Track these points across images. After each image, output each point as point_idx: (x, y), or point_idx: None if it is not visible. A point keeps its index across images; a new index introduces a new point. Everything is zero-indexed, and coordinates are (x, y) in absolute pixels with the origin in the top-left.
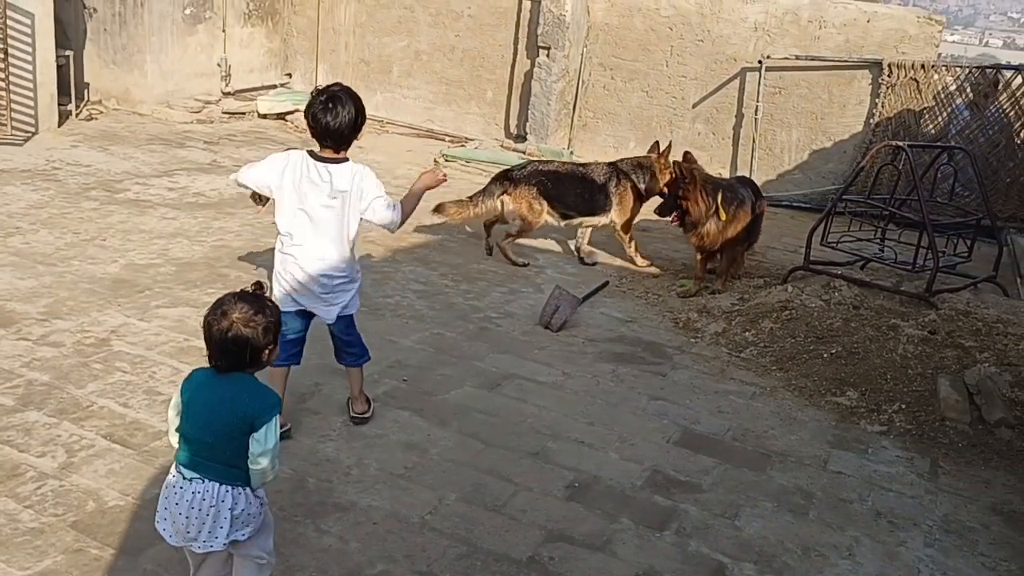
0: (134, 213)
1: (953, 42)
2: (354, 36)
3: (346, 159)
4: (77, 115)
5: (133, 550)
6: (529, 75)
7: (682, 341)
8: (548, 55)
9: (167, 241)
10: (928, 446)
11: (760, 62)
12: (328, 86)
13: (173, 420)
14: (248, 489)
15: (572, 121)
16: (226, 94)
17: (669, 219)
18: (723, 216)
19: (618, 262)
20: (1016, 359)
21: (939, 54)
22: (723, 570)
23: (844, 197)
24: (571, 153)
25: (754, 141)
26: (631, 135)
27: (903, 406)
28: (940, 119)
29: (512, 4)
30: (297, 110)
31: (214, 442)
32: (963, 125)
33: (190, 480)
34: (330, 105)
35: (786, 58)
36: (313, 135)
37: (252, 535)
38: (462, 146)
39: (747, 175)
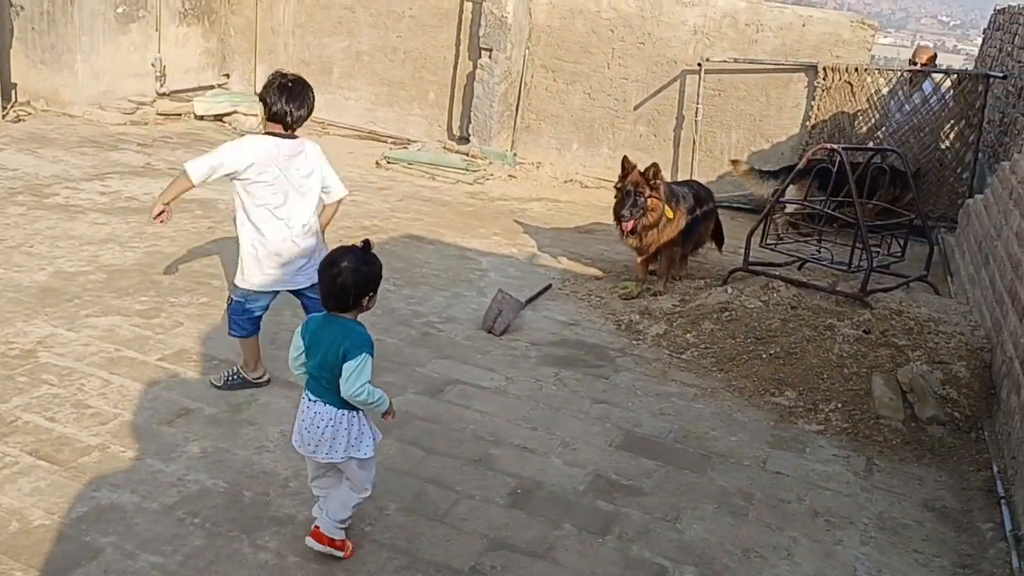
0: (63, 219)
1: (886, 44)
2: (293, 36)
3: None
4: (4, 117)
5: (58, 572)
6: (471, 77)
7: (624, 343)
8: (490, 57)
9: (97, 247)
10: (863, 444)
11: (700, 65)
12: (285, 73)
13: (295, 361)
14: (362, 414)
15: (515, 123)
16: (161, 95)
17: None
18: (668, 215)
19: (562, 264)
20: (947, 357)
21: (872, 57)
22: (664, 574)
23: (781, 200)
24: (514, 155)
25: (695, 143)
26: (574, 137)
27: (839, 405)
28: (873, 121)
29: (454, 5)
30: (236, 111)
31: (328, 376)
32: (895, 127)
33: (313, 402)
34: (292, 88)
35: (725, 61)
36: (274, 117)
37: (364, 462)
38: (405, 148)
39: (691, 177)
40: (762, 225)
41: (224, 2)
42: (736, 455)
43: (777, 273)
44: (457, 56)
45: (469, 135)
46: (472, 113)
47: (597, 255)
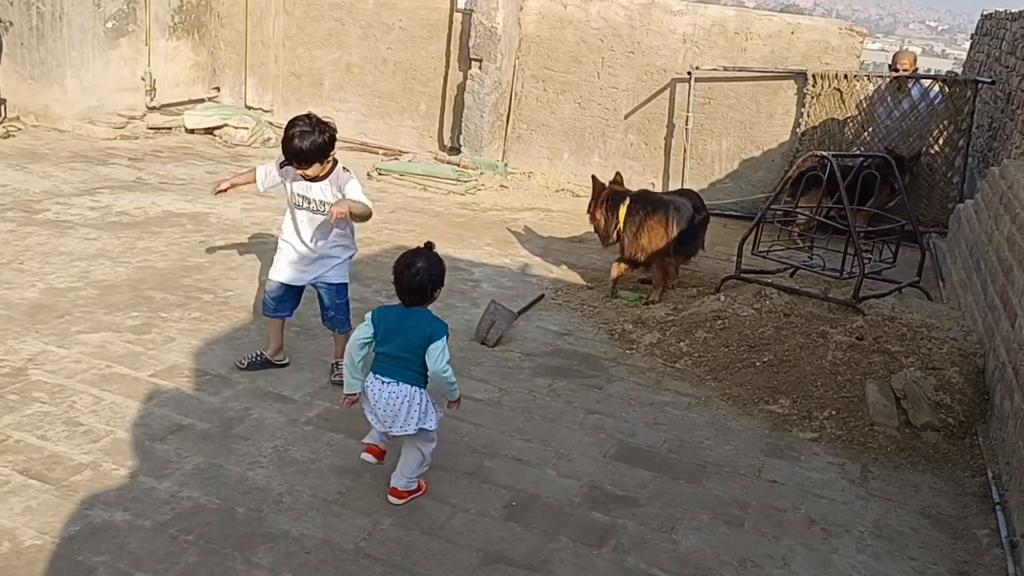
0: (53, 234)
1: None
2: (284, 49)
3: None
4: None
5: None
6: (462, 87)
7: (618, 353)
8: (480, 67)
9: (88, 263)
10: (858, 451)
11: (689, 73)
12: (295, 120)
13: (356, 343)
14: (427, 392)
15: (506, 133)
16: (151, 109)
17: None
18: (620, 225)
19: (554, 274)
20: (940, 363)
21: (861, 63)
22: None
23: (773, 206)
24: (506, 165)
25: (685, 151)
26: (565, 146)
27: (833, 412)
28: (863, 127)
29: (443, 17)
30: (226, 124)
31: (408, 356)
32: (885, 133)
33: (386, 383)
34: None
35: (714, 69)
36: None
37: (429, 435)
38: (396, 159)
39: (684, 186)
40: (753, 232)
41: (214, 16)
42: (731, 464)
43: (770, 280)
44: (447, 67)
45: (460, 145)
46: (463, 124)
47: (589, 264)
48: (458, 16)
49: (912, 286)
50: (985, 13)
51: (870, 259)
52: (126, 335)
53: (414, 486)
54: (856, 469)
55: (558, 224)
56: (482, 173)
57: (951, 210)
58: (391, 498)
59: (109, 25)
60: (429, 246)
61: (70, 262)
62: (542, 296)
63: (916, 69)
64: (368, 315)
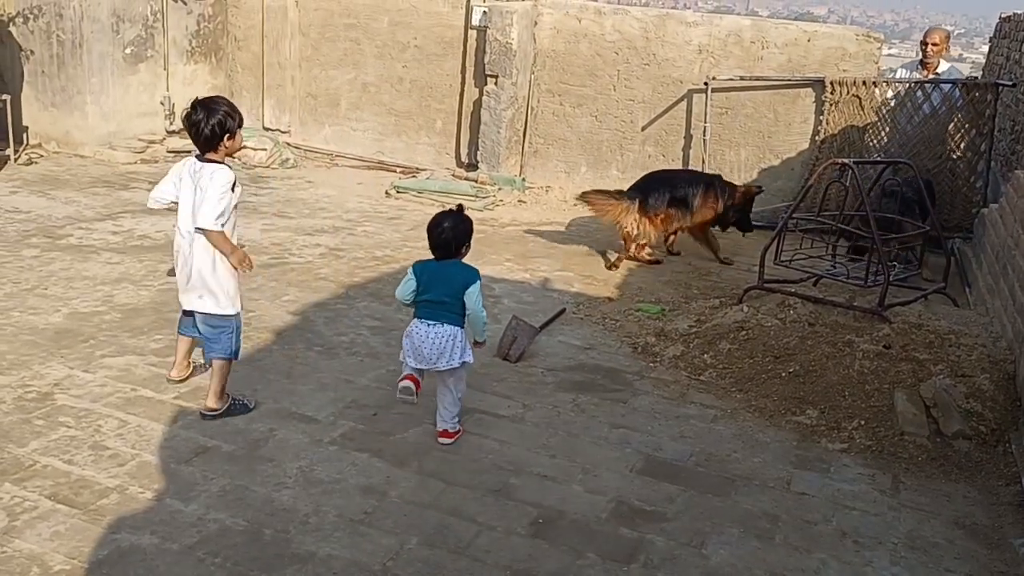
0: (77, 259)
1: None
2: (300, 70)
3: (218, 161)
4: (16, 160)
5: None
6: (478, 104)
7: (641, 366)
8: (496, 83)
9: (112, 287)
10: (889, 462)
11: (706, 83)
12: (201, 98)
13: (406, 293)
14: (463, 329)
15: (523, 148)
16: (171, 133)
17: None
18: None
19: (575, 288)
20: (969, 370)
21: (879, 69)
22: None
23: (794, 215)
24: (523, 180)
25: (703, 162)
26: (582, 160)
27: (862, 422)
28: (884, 134)
29: (458, 34)
30: (245, 146)
31: (450, 301)
32: (905, 139)
33: (431, 325)
34: (196, 112)
35: (731, 79)
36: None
37: (462, 372)
38: (413, 177)
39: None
40: (775, 242)
41: (231, 39)
42: (759, 477)
43: (793, 290)
44: (463, 84)
45: (478, 162)
46: (480, 140)
47: (610, 278)
48: (473, 33)
49: (938, 292)
50: (1003, 16)
51: (894, 266)
52: (150, 358)
53: (457, 426)
54: (887, 480)
55: (578, 238)
56: (500, 189)
57: (975, 215)
58: (442, 439)
59: (128, 51)
60: (460, 208)
61: (93, 286)
62: (563, 310)
63: (947, 48)
64: (410, 270)
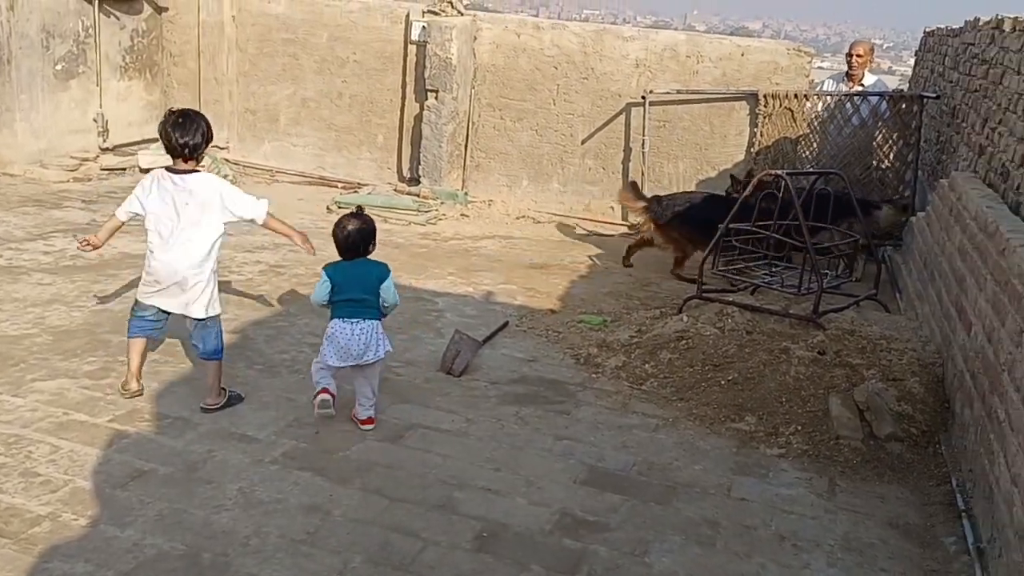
0: (6, 280)
1: (824, 68)
2: (238, 85)
3: (198, 170)
4: None
5: None
6: (419, 118)
7: (584, 377)
8: (437, 98)
9: (43, 309)
10: (825, 465)
11: (644, 97)
12: (174, 109)
13: (323, 296)
14: (381, 321)
15: (464, 162)
16: (104, 150)
17: None
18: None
19: (518, 301)
20: (900, 374)
21: (811, 82)
22: None
23: (731, 226)
24: (466, 194)
25: (643, 174)
26: (523, 173)
27: (799, 427)
28: (815, 145)
29: (398, 48)
30: None
31: (368, 297)
32: (836, 150)
33: (355, 323)
34: (180, 122)
35: (668, 92)
36: (169, 151)
37: (381, 365)
38: (355, 192)
39: None
40: (713, 252)
41: (166, 55)
42: (700, 484)
43: (731, 299)
44: (404, 98)
45: (419, 176)
46: (421, 154)
47: (552, 290)
48: (412, 48)
49: (870, 299)
50: (927, 30)
51: (827, 274)
52: (83, 381)
53: (375, 413)
54: (823, 483)
55: (520, 251)
56: (442, 203)
57: (904, 223)
58: (365, 426)
59: (59, 67)
60: (360, 210)
61: (24, 308)
62: (506, 324)
63: (872, 59)
64: (323, 272)
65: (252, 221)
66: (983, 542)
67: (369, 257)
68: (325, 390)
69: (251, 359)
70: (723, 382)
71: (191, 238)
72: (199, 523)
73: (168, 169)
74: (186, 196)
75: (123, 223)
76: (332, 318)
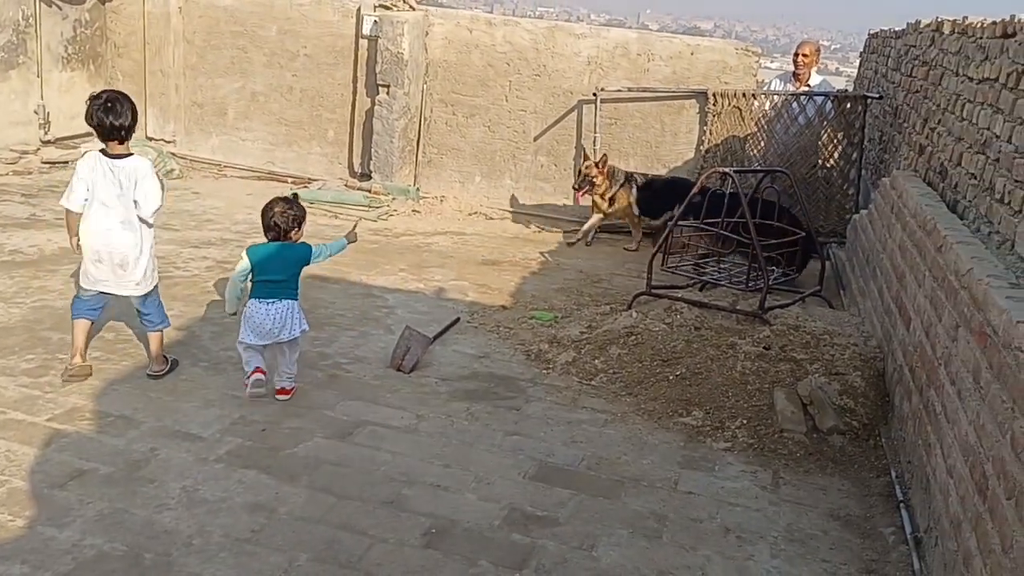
0: None
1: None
2: (185, 78)
3: (132, 153)
4: None
5: None
6: (370, 113)
7: (534, 373)
8: (388, 93)
9: None
10: (769, 458)
11: (595, 95)
12: (100, 93)
13: (239, 277)
14: (298, 302)
15: (416, 158)
16: (46, 143)
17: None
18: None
19: (469, 297)
20: (843, 368)
21: (759, 81)
22: None
23: (680, 223)
24: (417, 190)
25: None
26: (476, 169)
27: (745, 421)
28: (763, 143)
29: (349, 43)
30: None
31: (286, 279)
32: (783, 149)
33: (270, 303)
34: (111, 106)
35: (619, 90)
36: (102, 135)
37: (299, 341)
38: (306, 187)
39: None
40: (662, 249)
41: (110, 46)
42: (648, 478)
43: (680, 295)
44: (355, 93)
45: (371, 172)
46: (373, 150)
47: (504, 286)
48: (364, 42)
49: (814, 295)
50: (871, 32)
51: (774, 271)
52: (21, 379)
53: (294, 383)
54: (768, 476)
55: (472, 247)
56: (394, 199)
57: (848, 220)
58: (280, 396)
59: None
60: (295, 196)
61: None
62: (457, 320)
63: (817, 59)
64: (244, 253)
65: (140, 214)
66: (920, 532)
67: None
68: (258, 369)
69: (196, 356)
70: (671, 377)
71: (132, 219)
72: (141, 523)
73: (103, 153)
74: (124, 178)
75: (80, 214)
76: (250, 298)
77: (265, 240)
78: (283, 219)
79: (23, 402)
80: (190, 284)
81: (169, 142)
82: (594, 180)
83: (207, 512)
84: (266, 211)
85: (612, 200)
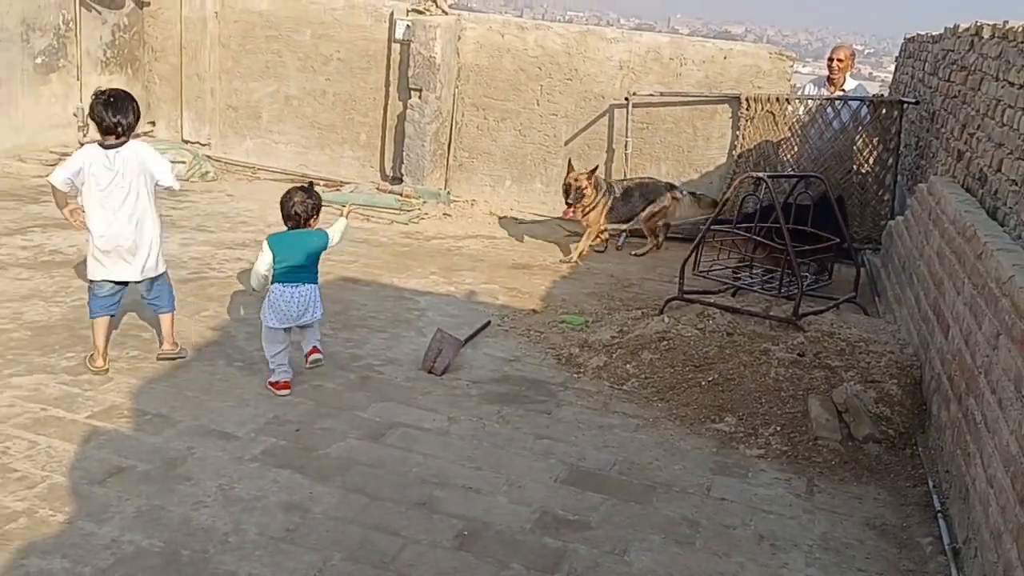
0: None
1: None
2: (220, 82)
3: (127, 141)
4: None
5: None
6: (402, 117)
7: (565, 377)
8: (420, 97)
9: (21, 304)
10: (803, 466)
11: (627, 99)
12: (104, 90)
13: (263, 267)
14: (317, 286)
15: (447, 161)
16: (84, 144)
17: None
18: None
19: (500, 301)
20: (879, 376)
21: (792, 86)
22: None
23: (713, 227)
24: (448, 193)
25: (625, 175)
26: (507, 173)
27: (778, 428)
28: (796, 148)
29: (381, 47)
30: None
31: (308, 264)
32: (817, 154)
33: (294, 287)
34: (112, 103)
35: (651, 94)
36: (102, 130)
37: (319, 323)
38: (337, 190)
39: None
40: (694, 254)
41: (147, 50)
42: (680, 484)
43: (712, 300)
44: (387, 97)
45: (402, 175)
46: (404, 153)
47: (535, 290)
48: (396, 46)
49: (849, 302)
50: (907, 37)
51: (807, 277)
52: (61, 376)
53: (322, 351)
54: (802, 484)
55: (502, 251)
56: (425, 202)
57: (883, 227)
58: (314, 355)
59: (39, 61)
60: (311, 185)
61: (1, 303)
62: (488, 323)
63: (852, 64)
64: (265, 243)
65: (170, 188)
66: (959, 543)
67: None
68: (286, 385)
69: (231, 356)
70: (703, 383)
71: (134, 206)
72: (178, 520)
73: (101, 145)
74: (121, 166)
75: (66, 192)
76: (273, 283)
77: (285, 228)
78: (303, 208)
79: (63, 399)
80: (224, 285)
81: (204, 145)
82: (584, 191)
83: (243, 510)
84: (285, 200)
85: (589, 211)
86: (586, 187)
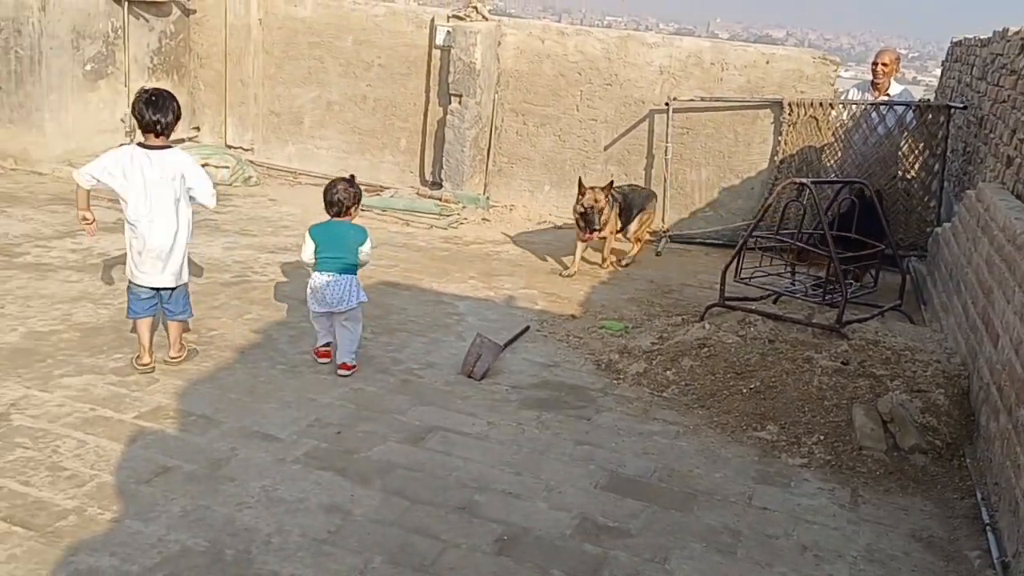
0: (34, 277)
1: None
2: (263, 88)
3: (171, 146)
4: None
5: None
6: (442, 122)
7: (605, 383)
8: (460, 102)
9: (70, 305)
10: (848, 476)
11: (667, 104)
12: (147, 88)
13: (309, 253)
14: (356, 276)
15: (487, 167)
16: (122, 145)
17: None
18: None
19: (539, 306)
20: (925, 385)
21: (836, 91)
22: None
23: (754, 234)
24: (487, 198)
25: (665, 181)
26: (546, 179)
27: (821, 437)
28: (840, 154)
29: (422, 53)
30: (207, 164)
31: (346, 256)
32: (861, 159)
33: (332, 276)
34: (153, 100)
35: (692, 100)
36: (141, 128)
37: (358, 312)
38: (377, 195)
39: (665, 214)
40: (735, 260)
41: (193, 56)
42: (721, 492)
43: (753, 307)
44: (427, 103)
45: (442, 180)
46: (444, 158)
47: (573, 295)
48: (437, 52)
49: (894, 309)
50: (954, 40)
51: (851, 284)
52: (109, 377)
53: (356, 360)
54: (846, 494)
55: (541, 256)
56: (464, 207)
57: (929, 234)
58: (341, 371)
59: (88, 68)
60: (352, 177)
61: (51, 305)
62: (527, 328)
63: (897, 68)
64: (307, 234)
65: (203, 206)
66: (1008, 556)
67: (353, 223)
68: (326, 352)
69: (274, 359)
70: (745, 390)
71: (169, 211)
72: (222, 520)
73: (141, 145)
74: (159, 171)
75: (88, 191)
76: (314, 271)
77: (327, 216)
78: (345, 195)
79: (111, 400)
80: (267, 288)
81: (247, 150)
82: (604, 211)
83: (285, 512)
84: (329, 188)
85: (604, 224)
86: (604, 207)
